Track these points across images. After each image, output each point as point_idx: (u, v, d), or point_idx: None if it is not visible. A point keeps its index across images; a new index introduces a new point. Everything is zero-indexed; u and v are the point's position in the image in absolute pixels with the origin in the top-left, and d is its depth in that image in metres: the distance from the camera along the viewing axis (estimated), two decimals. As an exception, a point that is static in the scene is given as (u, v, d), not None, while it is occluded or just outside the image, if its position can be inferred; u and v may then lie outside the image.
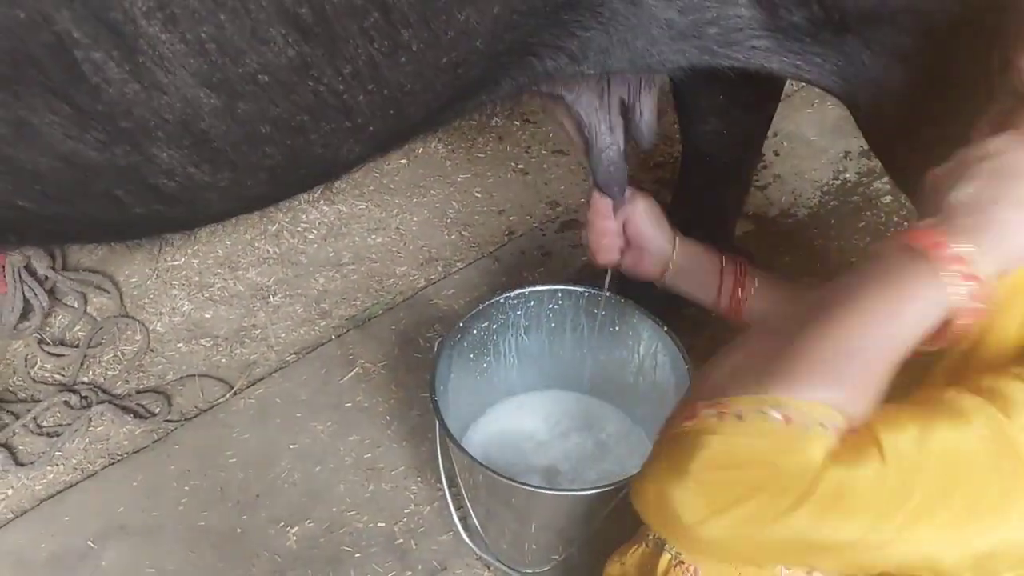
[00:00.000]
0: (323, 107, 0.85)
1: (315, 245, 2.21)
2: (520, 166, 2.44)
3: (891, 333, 0.79)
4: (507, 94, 1.08)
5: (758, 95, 1.54)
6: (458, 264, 2.15)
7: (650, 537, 1.13)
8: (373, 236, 2.23)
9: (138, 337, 1.98)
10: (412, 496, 1.68)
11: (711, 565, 1.02)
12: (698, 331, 1.93)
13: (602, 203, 1.39)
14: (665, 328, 1.52)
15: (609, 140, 1.29)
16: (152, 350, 1.97)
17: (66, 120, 0.75)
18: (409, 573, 1.58)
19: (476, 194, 2.34)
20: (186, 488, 1.70)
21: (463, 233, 2.24)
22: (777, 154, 2.39)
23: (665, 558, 1.06)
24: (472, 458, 1.35)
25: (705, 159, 1.70)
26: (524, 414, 1.71)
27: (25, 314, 1.94)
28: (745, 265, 1.34)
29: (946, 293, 0.77)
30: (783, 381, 0.76)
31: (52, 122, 0.75)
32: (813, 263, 2.12)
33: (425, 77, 0.88)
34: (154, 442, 1.78)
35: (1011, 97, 0.88)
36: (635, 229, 1.40)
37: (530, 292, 1.60)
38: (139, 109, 0.76)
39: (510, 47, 0.93)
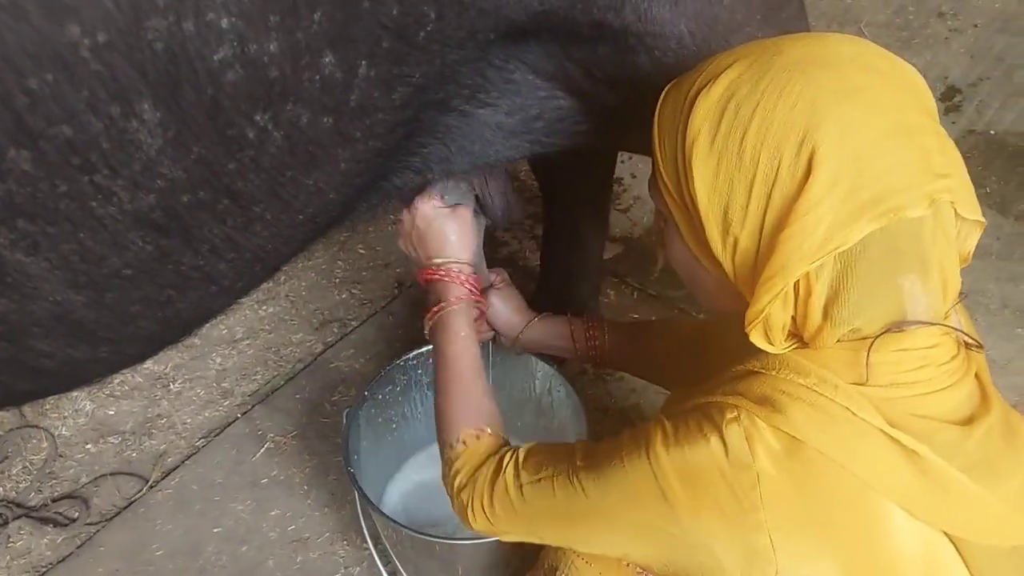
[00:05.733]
0: (187, 281, 0.91)
1: (207, 325, 2.22)
2: (398, 216, 2.51)
3: None
4: (363, 212, 1.17)
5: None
6: (353, 323, 2.22)
7: (545, 565, 1.30)
8: (264, 307, 2.28)
9: (44, 444, 1.99)
10: (341, 560, 1.75)
11: None
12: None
13: None
14: (555, 367, 1.63)
15: None
16: (61, 455, 1.97)
17: None
18: (349, 634, 1.65)
19: (360, 251, 2.41)
20: (118, 589, 1.73)
21: (353, 291, 2.30)
22: (634, 176, 2.52)
23: None
24: (392, 520, 1.43)
25: (564, 202, 1.85)
26: (437, 464, 1.79)
27: (-78, 440, 1.93)
28: (595, 322, 1.48)
29: None
30: None
31: None
32: (682, 275, 2.27)
33: (283, 235, 0.95)
34: (78, 547, 1.79)
35: None
36: (489, 318, 1.50)
37: (427, 351, 1.68)
38: (12, 316, 0.81)
39: (362, 184, 1.00)
